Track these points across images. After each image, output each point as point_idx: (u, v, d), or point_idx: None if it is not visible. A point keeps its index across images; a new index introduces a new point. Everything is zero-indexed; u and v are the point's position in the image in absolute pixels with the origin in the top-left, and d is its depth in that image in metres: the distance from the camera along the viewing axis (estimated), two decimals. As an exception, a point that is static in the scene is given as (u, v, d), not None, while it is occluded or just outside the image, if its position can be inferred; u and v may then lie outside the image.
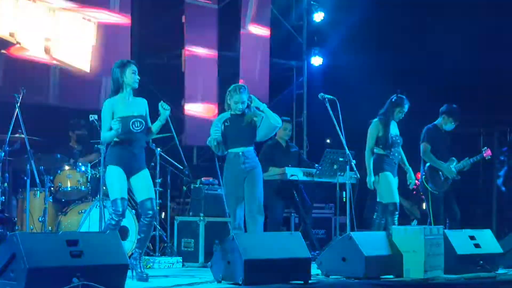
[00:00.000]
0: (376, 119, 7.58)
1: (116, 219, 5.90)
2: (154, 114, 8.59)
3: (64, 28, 9.27)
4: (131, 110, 6.00)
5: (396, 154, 7.52)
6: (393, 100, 7.58)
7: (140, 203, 6.07)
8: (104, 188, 6.99)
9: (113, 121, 5.84)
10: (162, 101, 6.13)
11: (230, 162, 6.55)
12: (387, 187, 7.39)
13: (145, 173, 6.06)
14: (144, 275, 5.93)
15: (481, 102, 10.50)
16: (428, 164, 8.07)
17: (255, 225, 6.38)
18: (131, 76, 6.03)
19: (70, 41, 9.31)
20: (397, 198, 7.41)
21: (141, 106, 6.11)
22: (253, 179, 6.51)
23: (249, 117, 6.54)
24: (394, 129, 7.61)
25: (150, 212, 5.98)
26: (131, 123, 5.94)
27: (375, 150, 7.52)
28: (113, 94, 6.06)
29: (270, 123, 6.56)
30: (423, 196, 8.22)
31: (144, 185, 6.02)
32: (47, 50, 9.11)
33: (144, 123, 6.03)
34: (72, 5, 9.34)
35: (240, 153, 6.51)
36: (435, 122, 8.25)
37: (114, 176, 5.94)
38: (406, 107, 7.59)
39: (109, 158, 6.01)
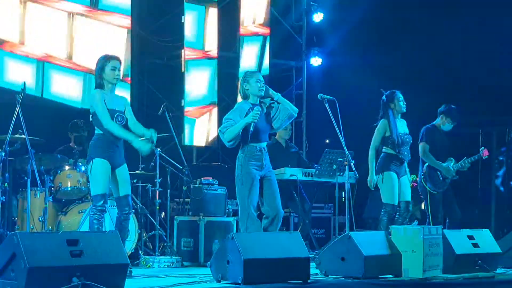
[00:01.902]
0: (383, 119, 7.54)
1: (99, 214, 5.98)
2: (154, 114, 8.67)
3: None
4: (115, 104, 6.09)
5: (405, 153, 7.49)
6: (383, 98, 7.56)
7: (117, 198, 6.15)
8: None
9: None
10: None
11: (253, 156, 6.33)
12: (388, 187, 7.38)
13: (125, 168, 6.14)
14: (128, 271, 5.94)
15: (480, 102, 10.52)
16: (426, 164, 8.08)
17: (275, 227, 6.33)
18: (109, 72, 6.08)
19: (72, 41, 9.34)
20: (396, 200, 7.37)
21: (121, 103, 6.19)
22: (273, 179, 6.44)
23: (266, 102, 6.42)
24: (402, 128, 7.57)
25: (127, 208, 6.09)
26: (115, 116, 6.03)
27: (384, 149, 7.48)
28: (97, 87, 6.14)
29: (288, 111, 6.45)
30: (422, 196, 8.23)
31: (123, 180, 6.09)
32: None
33: (125, 118, 6.11)
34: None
35: (263, 149, 6.41)
36: (433, 122, 8.26)
37: (99, 170, 5.96)
38: (399, 95, 7.50)
39: (95, 151, 6.01)
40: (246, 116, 6.32)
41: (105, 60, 6.12)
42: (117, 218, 6.20)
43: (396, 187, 7.39)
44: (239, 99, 6.75)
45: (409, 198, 7.52)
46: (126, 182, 6.12)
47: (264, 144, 6.45)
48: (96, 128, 6.11)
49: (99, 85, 6.11)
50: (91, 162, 6.00)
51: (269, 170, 6.46)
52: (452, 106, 8.27)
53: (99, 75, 6.10)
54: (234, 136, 6.28)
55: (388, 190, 7.39)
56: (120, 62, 6.17)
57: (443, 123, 8.22)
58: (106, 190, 5.99)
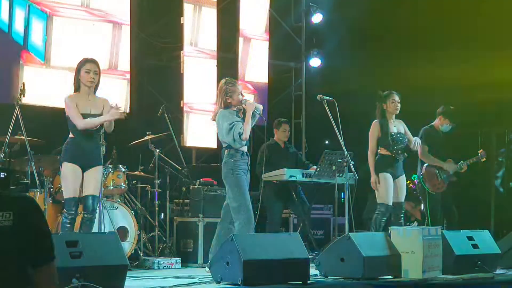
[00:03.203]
0: (375, 121, 7.58)
1: (69, 218, 6.00)
2: (153, 114, 8.67)
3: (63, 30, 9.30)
4: (88, 109, 6.11)
5: (399, 152, 7.50)
6: (378, 98, 7.58)
7: (83, 198, 6.14)
8: (104, 189, 7.02)
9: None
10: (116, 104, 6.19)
11: (240, 160, 6.49)
12: (383, 188, 7.40)
13: (96, 170, 6.13)
14: None
15: (479, 103, 10.52)
16: (425, 165, 8.09)
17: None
18: (84, 75, 6.11)
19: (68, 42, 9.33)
20: (390, 201, 7.39)
21: (99, 104, 6.20)
22: (248, 183, 6.57)
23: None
24: (396, 127, 7.56)
25: (89, 209, 6.07)
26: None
27: (378, 150, 7.51)
28: (74, 90, 6.18)
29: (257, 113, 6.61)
30: (420, 197, 8.24)
31: (91, 181, 6.08)
32: (46, 50, 9.14)
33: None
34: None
35: (246, 153, 6.55)
36: (432, 123, 8.27)
37: (68, 174, 6.01)
38: (395, 96, 7.52)
39: (64, 155, 6.08)
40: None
41: (81, 62, 6.18)
42: (82, 219, 6.19)
43: (391, 188, 7.39)
44: None
45: (403, 199, 7.54)
46: (92, 183, 6.09)
47: (246, 148, 6.56)
48: (69, 131, 6.15)
49: (76, 88, 6.16)
50: (61, 166, 6.09)
51: (247, 174, 6.58)
52: (451, 107, 8.28)
53: (75, 78, 6.16)
54: (249, 132, 6.45)
55: (382, 190, 7.40)
56: (97, 65, 6.18)
57: (441, 124, 8.23)
58: (76, 194, 6.02)
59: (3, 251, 2.57)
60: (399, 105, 7.51)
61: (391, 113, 7.54)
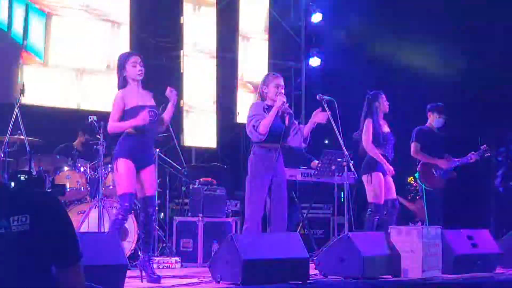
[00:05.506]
0: (368, 118, 7.58)
1: (123, 214, 5.78)
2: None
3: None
4: (143, 100, 5.89)
5: (390, 151, 7.55)
6: (368, 97, 7.60)
7: (140, 199, 6.02)
8: (103, 188, 7.01)
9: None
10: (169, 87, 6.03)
11: (262, 157, 6.25)
12: (375, 187, 7.40)
13: (151, 170, 5.98)
14: (155, 276, 5.85)
15: (479, 102, 10.52)
16: (421, 163, 8.11)
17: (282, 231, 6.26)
18: (131, 69, 5.88)
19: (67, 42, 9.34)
20: (382, 199, 7.40)
21: (150, 98, 6.04)
22: (282, 183, 6.33)
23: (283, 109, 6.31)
24: (384, 127, 7.61)
25: (149, 210, 5.93)
26: (147, 112, 5.78)
27: None
28: (120, 88, 5.95)
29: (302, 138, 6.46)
30: (419, 195, 8.24)
31: (148, 182, 5.92)
32: (45, 50, 9.15)
33: (157, 113, 5.95)
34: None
35: (274, 150, 6.27)
36: (426, 123, 8.29)
37: (123, 170, 5.77)
38: (384, 95, 7.57)
39: (120, 150, 5.84)
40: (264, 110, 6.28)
41: (125, 57, 5.95)
42: (140, 221, 6.08)
43: (382, 187, 7.41)
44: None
45: (394, 195, 7.55)
46: (150, 184, 5.93)
47: (276, 146, 6.30)
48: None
49: (122, 85, 5.93)
50: (115, 161, 5.86)
51: (281, 175, 6.36)
52: (438, 103, 8.29)
53: (121, 74, 5.91)
54: (268, 126, 6.17)
55: (374, 190, 7.40)
56: (141, 58, 5.96)
57: (432, 120, 8.26)
58: (131, 190, 5.80)
59: (23, 256, 2.36)
60: (388, 103, 7.60)
61: (383, 112, 7.59)
